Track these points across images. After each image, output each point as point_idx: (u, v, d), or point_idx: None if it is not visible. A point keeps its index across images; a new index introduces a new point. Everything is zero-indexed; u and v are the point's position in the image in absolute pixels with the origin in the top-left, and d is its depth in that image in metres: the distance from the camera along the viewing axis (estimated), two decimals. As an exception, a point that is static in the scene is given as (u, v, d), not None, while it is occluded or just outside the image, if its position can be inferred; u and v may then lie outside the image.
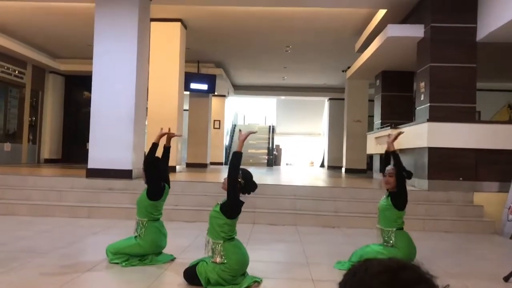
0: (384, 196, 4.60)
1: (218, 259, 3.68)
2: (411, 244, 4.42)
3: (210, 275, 3.63)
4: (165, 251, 4.57)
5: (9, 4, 9.97)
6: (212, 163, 16.87)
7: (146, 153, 4.49)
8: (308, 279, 4.04)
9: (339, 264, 4.46)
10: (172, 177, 9.20)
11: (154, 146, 4.53)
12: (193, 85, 14.24)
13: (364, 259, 0.94)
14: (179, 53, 10.93)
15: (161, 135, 4.62)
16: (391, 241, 4.37)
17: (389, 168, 4.59)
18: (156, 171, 4.51)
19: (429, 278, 0.88)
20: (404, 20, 9.49)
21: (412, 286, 0.84)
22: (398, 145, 9.11)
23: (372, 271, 0.88)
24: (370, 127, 13.63)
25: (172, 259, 4.50)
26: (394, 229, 4.39)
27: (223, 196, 3.86)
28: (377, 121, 12.00)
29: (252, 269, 3.96)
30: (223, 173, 12.18)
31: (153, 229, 4.41)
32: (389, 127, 9.64)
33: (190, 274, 3.72)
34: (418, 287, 0.85)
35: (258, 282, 3.80)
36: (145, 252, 4.35)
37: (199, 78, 14.44)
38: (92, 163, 8.30)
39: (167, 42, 10.83)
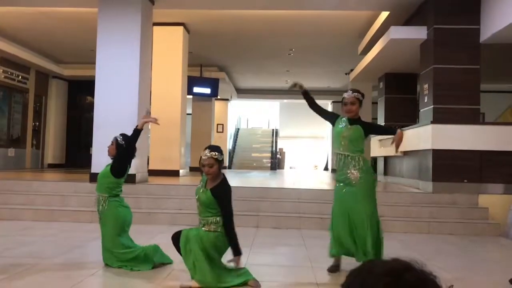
0: (347, 125, 4.34)
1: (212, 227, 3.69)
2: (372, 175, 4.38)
3: (206, 243, 3.64)
4: (166, 252, 4.52)
5: (12, 10, 10.01)
6: (215, 167, 16.83)
7: (131, 136, 4.54)
8: (312, 283, 4.01)
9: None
10: (175, 181, 9.25)
11: (138, 132, 4.57)
12: (196, 89, 14.26)
13: (368, 260, 0.92)
14: (181, 57, 10.95)
15: (145, 122, 4.73)
16: (360, 165, 4.25)
17: (349, 94, 4.33)
18: (129, 154, 4.55)
19: (433, 279, 0.87)
20: (407, 22, 9.48)
21: (417, 287, 0.83)
22: (402, 147, 9.12)
23: (376, 272, 0.86)
24: (374, 130, 13.59)
25: (170, 262, 4.48)
26: (362, 154, 4.33)
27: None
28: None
29: (256, 273, 3.94)
30: (227, 177, 12.15)
31: (114, 203, 4.41)
32: (393, 130, 9.59)
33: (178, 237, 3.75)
34: None
35: (250, 280, 3.77)
36: (112, 229, 4.32)
37: (202, 82, 14.46)
38: (95, 168, 8.28)
39: (169, 46, 10.85)
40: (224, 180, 3.79)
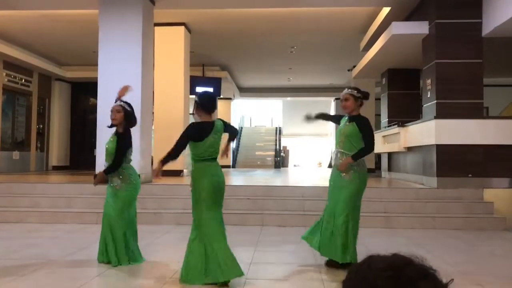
0: (346, 122, 4.42)
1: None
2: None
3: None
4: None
5: (13, 13, 10.05)
6: (219, 166, 16.86)
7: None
8: (318, 279, 4.02)
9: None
10: (179, 180, 9.25)
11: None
12: (199, 89, 14.21)
13: (368, 255, 0.92)
14: (183, 57, 10.96)
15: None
16: (353, 165, 4.32)
17: (344, 92, 4.45)
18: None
19: (433, 273, 0.87)
20: (409, 17, 9.45)
21: (417, 282, 0.83)
22: (406, 143, 9.12)
23: (376, 267, 0.86)
24: (377, 126, 13.58)
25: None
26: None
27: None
28: (384, 119, 11.95)
29: (261, 271, 3.94)
30: (230, 176, 12.18)
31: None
32: (397, 126, 9.59)
33: None
34: (423, 282, 0.84)
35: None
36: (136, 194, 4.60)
37: (204, 81, 14.46)
38: (100, 169, 8.29)
39: (171, 46, 10.86)
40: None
